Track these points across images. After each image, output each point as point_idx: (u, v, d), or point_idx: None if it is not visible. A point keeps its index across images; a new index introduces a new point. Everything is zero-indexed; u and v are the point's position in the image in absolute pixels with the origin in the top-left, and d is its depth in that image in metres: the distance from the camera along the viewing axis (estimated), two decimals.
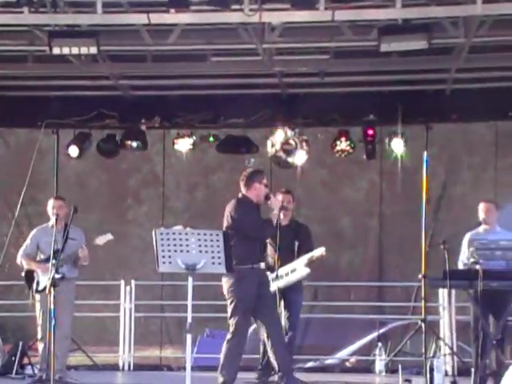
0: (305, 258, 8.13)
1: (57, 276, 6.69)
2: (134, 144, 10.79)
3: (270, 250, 8.44)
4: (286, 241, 8.19)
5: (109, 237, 8.05)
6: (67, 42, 8.25)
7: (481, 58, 9.33)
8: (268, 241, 8.45)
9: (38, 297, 8.25)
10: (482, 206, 8.00)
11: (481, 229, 8.03)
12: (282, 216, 8.33)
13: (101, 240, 8.09)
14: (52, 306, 6.81)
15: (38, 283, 8.23)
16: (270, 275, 8.29)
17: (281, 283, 8.10)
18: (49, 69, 9.67)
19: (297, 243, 8.25)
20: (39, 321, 8.19)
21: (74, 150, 10.77)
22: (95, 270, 11.83)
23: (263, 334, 7.24)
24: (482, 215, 7.97)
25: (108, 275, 13.56)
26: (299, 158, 10.59)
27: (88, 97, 10.55)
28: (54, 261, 7.42)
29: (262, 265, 7.20)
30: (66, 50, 8.31)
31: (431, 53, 8.58)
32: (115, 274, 12.59)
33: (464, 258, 7.90)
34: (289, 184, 11.31)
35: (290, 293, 8.24)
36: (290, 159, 10.60)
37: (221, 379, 6.95)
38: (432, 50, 8.23)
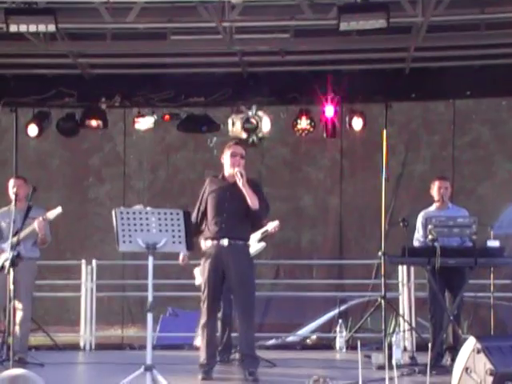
0: (258, 233, 8.13)
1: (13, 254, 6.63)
2: (95, 123, 10.69)
3: None
4: None
5: (58, 210, 7.94)
6: (24, 20, 8.11)
7: (439, 36, 9.38)
8: None
9: None
10: (437, 184, 8.06)
11: (433, 207, 8.10)
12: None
13: (51, 214, 8.00)
14: (12, 287, 6.77)
15: None
16: None
17: None
18: (6, 46, 9.51)
19: None
20: None
21: (33, 129, 10.64)
22: (56, 250, 11.80)
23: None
24: (437, 193, 8.03)
25: (69, 255, 13.52)
26: (260, 136, 10.56)
27: (47, 75, 10.42)
28: (9, 240, 7.35)
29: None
30: (23, 28, 8.18)
31: (390, 32, 8.60)
32: (76, 253, 12.56)
33: (419, 236, 7.98)
34: (250, 162, 11.33)
35: None
36: (251, 138, 10.58)
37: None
38: (391, 29, 8.24)
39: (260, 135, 10.57)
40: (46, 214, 7.94)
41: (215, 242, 6.77)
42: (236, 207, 6.71)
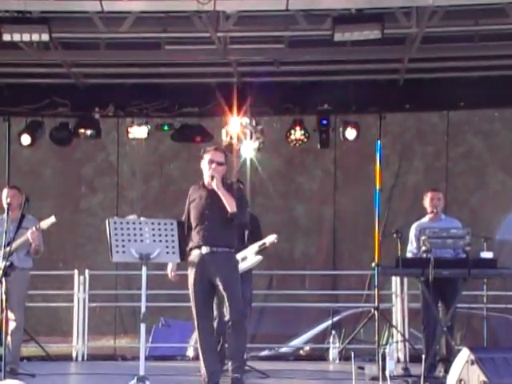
0: (255, 246, 8.13)
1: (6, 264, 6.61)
2: (88, 132, 10.70)
3: None
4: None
5: (52, 220, 7.94)
6: (18, 29, 8.13)
7: (433, 48, 9.42)
8: None
9: None
10: (429, 195, 8.08)
11: (426, 218, 8.11)
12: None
13: (45, 224, 7.99)
14: (3, 297, 6.74)
15: None
16: None
17: None
18: None
19: (247, 232, 8.25)
20: None
21: (26, 139, 10.65)
22: (48, 260, 11.73)
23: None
24: (430, 205, 8.04)
25: (61, 265, 13.45)
26: (254, 147, 10.58)
27: (40, 84, 10.42)
28: (5, 250, 7.33)
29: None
30: (16, 37, 8.19)
31: (384, 43, 8.64)
32: (69, 263, 12.50)
33: (413, 249, 7.99)
34: (244, 172, 11.34)
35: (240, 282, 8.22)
36: (244, 148, 10.60)
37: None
38: (385, 39, 8.29)
39: (253, 146, 10.58)
40: (39, 223, 7.93)
41: (197, 251, 6.63)
42: (217, 214, 6.58)
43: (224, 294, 6.64)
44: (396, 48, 9.40)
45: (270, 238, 8.09)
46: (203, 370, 6.70)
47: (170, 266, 6.97)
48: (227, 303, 6.66)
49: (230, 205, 6.56)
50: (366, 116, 10.83)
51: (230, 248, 6.70)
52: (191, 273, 6.69)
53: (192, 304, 6.76)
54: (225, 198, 6.57)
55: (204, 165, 6.71)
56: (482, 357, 5.61)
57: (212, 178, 6.60)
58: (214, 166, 6.63)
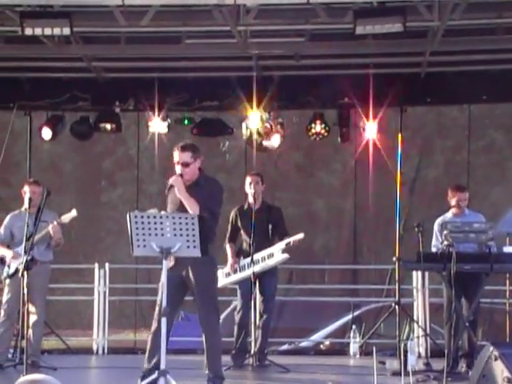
0: (282, 244, 8.12)
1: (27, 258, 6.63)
2: (108, 126, 10.69)
3: (242, 234, 8.43)
4: (259, 224, 8.18)
5: (73, 213, 7.95)
6: (39, 23, 8.12)
7: (455, 41, 9.32)
8: (240, 225, 8.43)
9: (7, 281, 8.17)
10: (456, 196, 8.01)
11: (449, 213, 8.05)
12: (251, 199, 8.32)
13: (66, 218, 8.00)
14: (25, 290, 6.76)
15: (9, 267, 8.14)
16: (244, 260, 8.29)
17: (257, 268, 8.09)
18: (21, 50, 9.52)
19: (270, 226, 8.24)
20: (5, 305, 8.07)
21: (47, 133, 10.65)
22: (69, 253, 11.78)
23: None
24: (453, 201, 7.99)
25: (82, 258, 13.51)
26: (274, 141, 10.54)
27: (61, 79, 10.42)
28: (23, 244, 7.35)
29: None
30: (38, 31, 8.18)
31: (406, 36, 8.56)
32: (89, 257, 12.55)
33: (437, 243, 7.93)
34: (264, 167, 11.31)
35: (264, 276, 8.24)
36: (264, 142, 10.56)
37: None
38: (407, 33, 8.20)
39: (273, 140, 10.54)
40: (60, 217, 7.95)
41: None
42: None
43: (197, 297, 6.41)
44: (418, 41, 9.31)
45: (298, 237, 8.08)
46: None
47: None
48: (200, 305, 6.41)
49: (192, 210, 6.25)
50: (386, 110, 10.75)
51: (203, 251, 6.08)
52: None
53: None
54: (187, 204, 6.29)
55: (175, 165, 6.42)
56: (505, 352, 5.55)
57: (171, 186, 6.39)
58: (179, 168, 6.35)
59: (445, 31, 8.89)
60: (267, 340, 8.39)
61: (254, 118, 10.35)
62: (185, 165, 6.39)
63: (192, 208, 6.31)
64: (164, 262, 5.96)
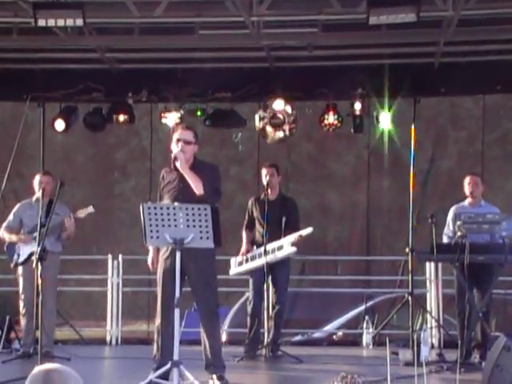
0: (292, 237, 8.13)
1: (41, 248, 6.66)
2: (121, 118, 10.71)
3: (257, 224, 8.46)
4: (273, 215, 8.20)
5: (90, 209, 8.00)
6: (52, 14, 8.13)
7: (469, 31, 9.28)
8: (256, 215, 8.46)
9: (19, 270, 8.22)
10: (467, 180, 8.02)
11: (466, 202, 8.04)
12: (269, 190, 8.35)
13: (82, 213, 8.04)
14: (39, 281, 6.80)
15: (18, 256, 8.20)
16: (257, 250, 8.32)
17: (267, 258, 8.11)
18: (34, 41, 9.55)
19: (284, 218, 8.25)
20: (22, 295, 8.16)
21: (60, 124, 10.68)
22: (82, 245, 11.84)
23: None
24: (467, 189, 7.99)
25: (95, 250, 13.56)
26: (287, 132, 10.53)
27: (74, 70, 10.44)
28: (37, 235, 7.39)
29: None
30: (51, 22, 8.19)
31: (420, 26, 8.52)
32: (102, 248, 12.59)
33: (449, 232, 7.92)
34: (276, 158, 11.30)
35: (276, 267, 8.26)
36: (277, 133, 10.55)
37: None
38: (420, 22, 8.17)
39: (286, 131, 10.53)
40: (76, 211, 8.00)
41: None
42: (189, 198, 6.21)
43: (197, 285, 6.34)
44: (431, 31, 9.27)
45: (307, 231, 8.10)
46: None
47: (150, 254, 6.54)
48: (200, 295, 6.36)
49: (196, 187, 6.24)
50: (400, 100, 10.72)
51: (216, 244, 6.12)
52: (163, 261, 6.37)
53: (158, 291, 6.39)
54: (190, 179, 6.26)
55: (173, 145, 6.38)
56: None
57: (175, 158, 6.32)
58: (180, 145, 6.33)
59: (459, 21, 8.84)
60: (280, 331, 8.41)
61: (266, 109, 10.34)
62: (187, 142, 6.37)
63: (196, 183, 6.26)
64: (177, 253, 5.98)
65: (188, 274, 6.35)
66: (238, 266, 8.50)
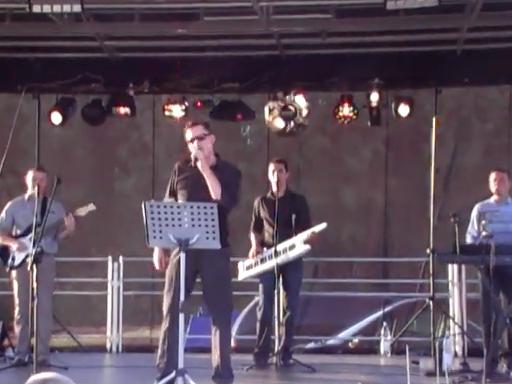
0: (304, 234, 8.11)
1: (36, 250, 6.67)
2: (122, 110, 10.72)
3: (265, 224, 8.44)
4: (283, 214, 8.18)
5: (91, 207, 8.02)
6: (48, 0, 8.14)
7: (495, 16, 9.23)
8: (263, 215, 8.44)
9: (14, 274, 8.23)
10: (493, 176, 7.99)
11: (491, 200, 8.02)
12: (275, 188, 8.33)
13: (82, 211, 8.05)
14: (34, 285, 6.80)
15: (13, 259, 8.20)
16: (267, 251, 8.30)
17: (278, 260, 8.10)
18: (29, 28, 9.55)
19: (294, 216, 8.24)
20: (16, 300, 8.18)
21: (56, 117, 10.70)
22: (80, 246, 11.84)
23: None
24: (493, 185, 7.96)
25: (94, 251, 13.57)
26: (298, 125, 10.52)
27: (71, 59, 10.45)
28: (33, 235, 7.39)
29: None
30: (47, 8, 8.20)
31: (441, 11, 8.50)
32: (102, 249, 12.60)
33: (473, 231, 7.90)
34: (287, 153, 11.30)
35: (287, 270, 8.24)
36: (288, 126, 10.54)
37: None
38: (442, 7, 8.15)
39: (298, 123, 10.53)
40: (76, 210, 8.01)
41: None
42: (206, 199, 6.25)
43: (210, 287, 6.36)
44: (454, 16, 9.23)
45: (320, 227, 8.08)
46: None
47: (156, 254, 6.56)
48: (213, 297, 6.37)
49: (214, 190, 6.31)
50: (420, 91, 10.70)
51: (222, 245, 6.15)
52: (174, 262, 6.38)
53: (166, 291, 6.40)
54: (210, 181, 6.33)
55: (190, 146, 6.48)
56: None
57: (195, 159, 6.39)
58: (196, 143, 6.42)
59: (483, 5, 8.81)
60: (292, 338, 8.41)
61: (276, 101, 10.33)
62: (200, 138, 6.44)
63: (215, 187, 6.32)
64: (182, 254, 5.97)
65: (202, 276, 6.36)
66: (247, 270, 8.49)
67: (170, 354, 6.35)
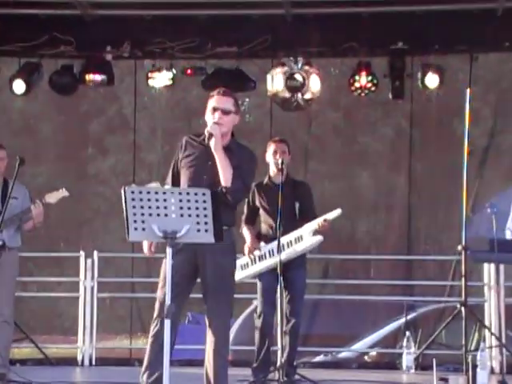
0: (314, 223, 8.08)
1: None
2: (98, 78, 10.70)
3: (263, 214, 8.38)
4: (285, 202, 8.13)
5: (63, 193, 7.98)
6: None
7: None
8: (260, 204, 8.40)
9: None
10: None
11: None
12: (272, 172, 8.28)
13: (52, 197, 8.01)
14: None
15: None
16: (266, 246, 8.26)
17: (283, 256, 8.07)
18: None
19: (297, 205, 8.22)
20: None
21: (19, 86, 10.66)
22: (47, 239, 11.88)
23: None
24: None
25: (63, 245, 13.62)
26: (307, 97, 10.51)
27: (38, 16, 10.41)
28: None
29: None
30: None
31: None
32: (72, 243, 12.65)
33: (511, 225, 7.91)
34: (293, 131, 11.29)
35: (290, 268, 8.18)
36: (295, 99, 10.54)
37: None
38: None
39: (307, 96, 10.52)
40: (45, 196, 7.96)
41: None
42: (213, 184, 6.18)
43: (211, 285, 6.31)
44: None
45: (333, 214, 8.04)
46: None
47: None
48: (214, 297, 6.33)
49: (224, 176, 6.28)
50: (451, 57, 10.69)
51: (228, 226, 6.26)
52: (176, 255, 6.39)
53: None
54: (221, 165, 6.29)
55: (207, 116, 6.41)
56: None
57: (210, 135, 6.32)
58: (217, 115, 6.36)
59: None
60: (296, 349, 8.38)
61: (281, 69, 10.32)
62: (226, 112, 6.39)
63: (226, 172, 6.28)
64: (168, 249, 5.95)
65: (201, 274, 6.35)
66: (242, 270, 8.45)
67: (155, 368, 6.32)
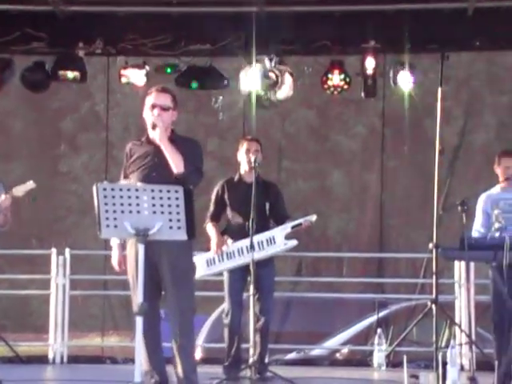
0: (288, 226, 8.11)
1: None
2: (70, 75, 10.67)
3: (231, 212, 8.38)
4: (256, 201, 8.13)
5: (30, 185, 7.94)
6: None
7: None
8: (229, 202, 8.40)
9: None
10: (502, 161, 7.99)
11: (497, 188, 8.04)
12: (244, 170, 8.30)
13: (19, 190, 7.98)
14: None
15: None
16: (235, 244, 8.25)
17: (255, 256, 8.06)
18: None
19: (268, 205, 8.24)
20: None
21: None
22: (18, 236, 11.82)
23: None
24: (501, 171, 7.98)
25: (35, 242, 13.57)
26: (280, 95, 10.53)
27: (9, 12, 10.36)
28: None
29: None
30: None
31: None
32: (44, 240, 12.60)
33: (479, 227, 7.93)
34: (267, 129, 11.31)
35: (257, 267, 8.16)
36: (268, 97, 10.56)
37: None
38: None
39: (280, 94, 10.55)
40: (12, 189, 7.93)
41: None
42: (168, 176, 6.36)
43: (169, 283, 6.41)
44: None
45: (310, 218, 8.08)
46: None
47: (115, 253, 6.67)
48: (173, 295, 6.43)
49: (175, 163, 6.40)
50: (423, 56, 10.72)
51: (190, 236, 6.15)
52: (130, 253, 6.51)
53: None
54: (169, 153, 6.42)
55: (146, 112, 6.55)
56: None
57: (154, 127, 6.46)
58: (156, 111, 6.49)
59: None
60: (267, 347, 8.41)
61: (254, 66, 10.33)
62: (164, 108, 6.50)
63: (176, 159, 6.38)
64: (140, 246, 5.96)
65: (160, 272, 6.39)
66: (209, 266, 8.42)
67: (153, 364, 6.39)
